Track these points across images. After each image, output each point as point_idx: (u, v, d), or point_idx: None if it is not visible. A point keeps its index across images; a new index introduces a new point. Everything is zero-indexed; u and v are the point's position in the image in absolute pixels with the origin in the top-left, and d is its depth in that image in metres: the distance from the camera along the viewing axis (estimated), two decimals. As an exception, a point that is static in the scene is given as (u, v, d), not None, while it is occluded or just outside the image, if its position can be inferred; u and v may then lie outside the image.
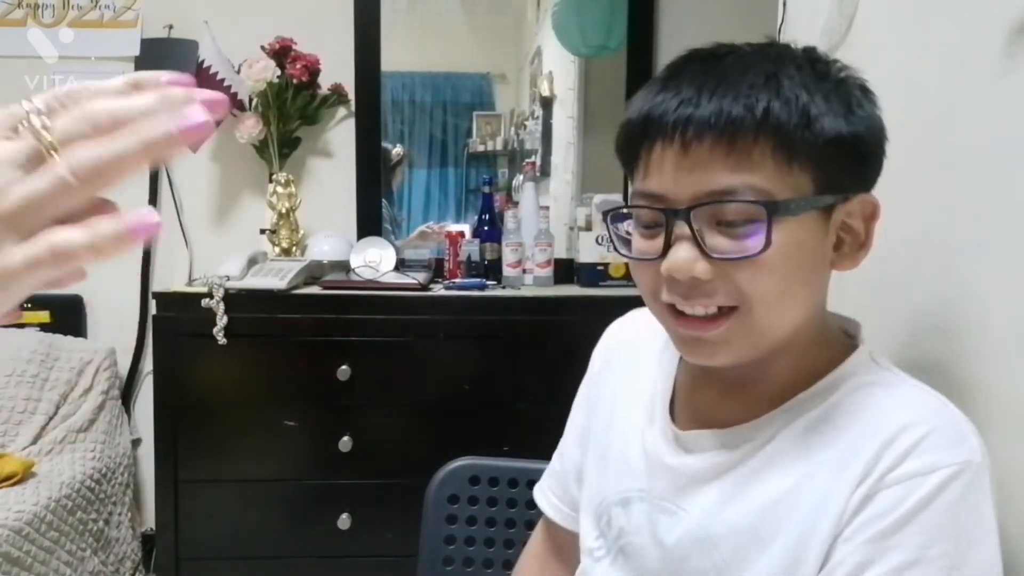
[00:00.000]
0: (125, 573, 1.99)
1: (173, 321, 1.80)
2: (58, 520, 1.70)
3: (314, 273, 1.98)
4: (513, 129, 2.37)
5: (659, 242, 0.60)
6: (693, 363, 0.68)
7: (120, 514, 2.02)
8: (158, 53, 2.17)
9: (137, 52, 2.16)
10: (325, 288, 1.88)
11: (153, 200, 2.18)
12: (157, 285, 2.17)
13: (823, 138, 0.58)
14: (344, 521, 1.81)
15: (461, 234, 2.15)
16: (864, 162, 0.62)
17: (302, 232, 2.12)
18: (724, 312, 0.60)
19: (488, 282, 2.01)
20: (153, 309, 1.86)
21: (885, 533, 0.55)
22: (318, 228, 2.14)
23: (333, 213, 2.19)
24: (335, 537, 1.81)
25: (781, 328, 0.61)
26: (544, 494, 0.89)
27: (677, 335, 0.64)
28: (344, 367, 1.78)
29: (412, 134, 2.37)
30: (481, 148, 2.38)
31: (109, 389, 2.10)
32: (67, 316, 2.16)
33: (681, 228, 0.59)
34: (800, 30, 1.22)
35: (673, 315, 0.62)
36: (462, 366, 1.84)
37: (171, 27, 2.16)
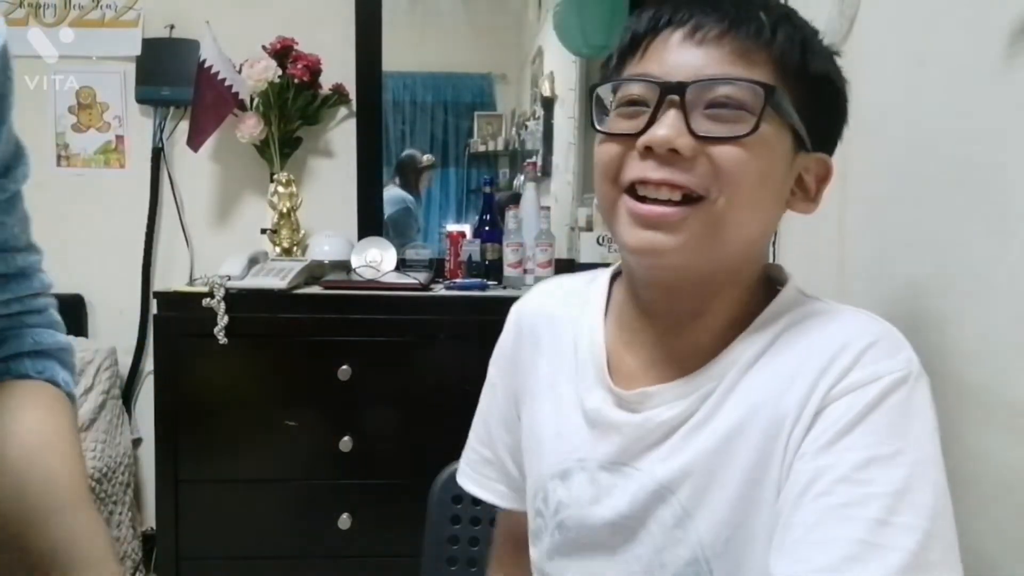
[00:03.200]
0: (126, 572, 1.99)
1: (174, 321, 1.80)
2: (59, 519, 1.70)
3: (315, 273, 1.98)
4: (514, 129, 2.37)
5: (642, 120, 0.60)
6: (639, 268, 0.66)
7: (120, 513, 2.02)
8: (159, 53, 2.17)
9: (138, 52, 2.16)
10: (326, 288, 1.88)
11: (154, 200, 2.17)
12: (158, 285, 2.17)
13: (814, 71, 0.62)
14: (344, 521, 1.81)
15: (462, 234, 2.16)
16: (835, 114, 0.65)
17: (303, 232, 2.13)
18: (688, 202, 0.59)
19: (489, 282, 2.01)
20: (154, 309, 1.86)
21: (835, 439, 0.56)
22: (319, 228, 2.14)
23: (334, 213, 2.19)
24: (335, 537, 1.81)
25: (737, 236, 0.61)
26: (490, 488, 0.83)
27: (632, 215, 0.61)
28: (345, 367, 1.78)
29: (413, 134, 2.37)
30: (482, 148, 2.38)
31: (110, 389, 2.10)
32: (68, 315, 2.10)
33: (672, 101, 0.59)
34: (801, 31, 1.21)
35: (632, 197, 0.61)
36: (463, 366, 1.81)
37: (172, 27, 2.16)
